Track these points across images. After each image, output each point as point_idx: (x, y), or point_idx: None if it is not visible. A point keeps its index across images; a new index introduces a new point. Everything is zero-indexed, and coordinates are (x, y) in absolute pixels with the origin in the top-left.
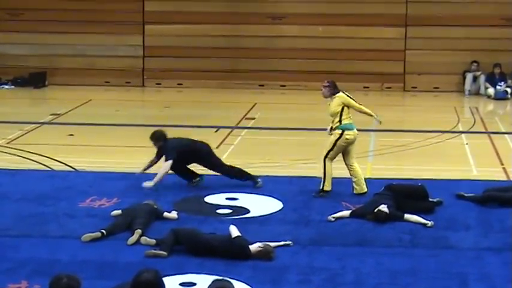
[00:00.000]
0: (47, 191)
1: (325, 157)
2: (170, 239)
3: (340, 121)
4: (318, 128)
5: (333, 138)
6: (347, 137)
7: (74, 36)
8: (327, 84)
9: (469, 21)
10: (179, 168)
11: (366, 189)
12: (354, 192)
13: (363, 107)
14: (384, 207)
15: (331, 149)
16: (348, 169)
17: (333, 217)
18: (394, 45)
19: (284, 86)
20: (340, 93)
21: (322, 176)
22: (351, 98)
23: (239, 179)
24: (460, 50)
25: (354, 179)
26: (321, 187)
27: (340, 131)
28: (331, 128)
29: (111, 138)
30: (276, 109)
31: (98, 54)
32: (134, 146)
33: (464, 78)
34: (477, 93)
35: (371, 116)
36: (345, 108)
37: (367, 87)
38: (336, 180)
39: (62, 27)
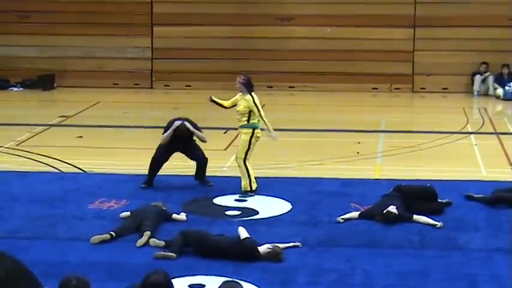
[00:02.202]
0: (56, 193)
1: (245, 159)
2: (179, 240)
3: (248, 120)
4: (327, 129)
5: (246, 137)
6: (258, 135)
7: (83, 38)
8: (242, 81)
9: (477, 21)
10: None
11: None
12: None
13: (263, 118)
14: (392, 208)
15: (248, 149)
16: (238, 164)
17: (342, 218)
18: (402, 46)
19: (293, 87)
20: (248, 97)
21: (246, 177)
22: (255, 103)
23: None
24: (469, 51)
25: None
26: (249, 188)
27: (250, 130)
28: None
29: (119, 140)
30: (285, 110)
31: (106, 56)
32: (143, 147)
33: (472, 79)
34: (486, 93)
35: (268, 129)
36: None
37: (376, 89)
38: (344, 182)
39: (70, 30)
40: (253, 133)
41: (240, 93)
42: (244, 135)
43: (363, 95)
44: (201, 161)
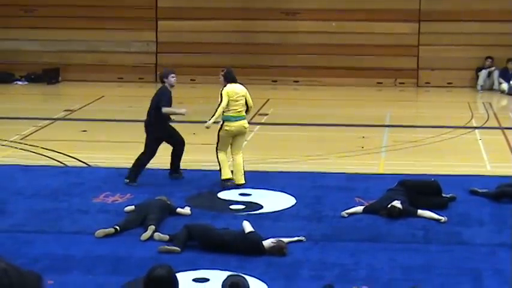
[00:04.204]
0: (61, 186)
1: (216, 148)
2: (183, 234)
3: (222, 112)
4: (331, 124)
5: (218, 129)
6: (226, 128)
7: (87, 32)
8: (221, 73)
9: (482, 16)
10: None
11: (242, 181)
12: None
13: (218, 108)
14: (397, 203)
15: (218, 141)
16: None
17: (346, 213)
18: (407, 41)
19: (297, 81)
20: (226, 87)
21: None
22: (221, 94)
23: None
24: (473, 45)
25: (232, 169)
26: (220, 177)
27: (221, 122)
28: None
29: (124, 134)
30: (289, 105)
31: (111, 50)
32: None
33: (477, 74)
34: (491, 88)
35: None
36: (229, 100)
37: (381, 83)
38: (348, 176)
39: (75, 24)
40: (221, 126)
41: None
42: (219, 127)
43: (367, 89)
44: (183, 143)
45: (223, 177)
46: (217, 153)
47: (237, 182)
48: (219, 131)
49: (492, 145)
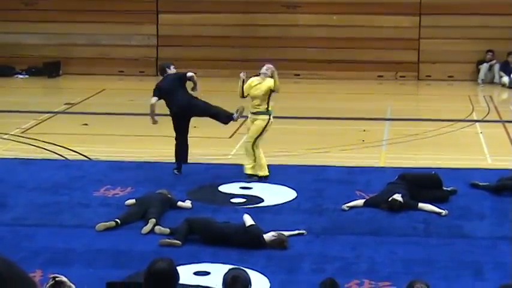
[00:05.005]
0: (62, 180)
1: (253, 144)
2: (184, 228)
3: (267, 107)
4: (332, 117)
5: (262, 123)
6: (271, 120)
7: (88, 25)
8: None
9: (483, 9)
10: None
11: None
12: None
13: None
14: (398, 196)
15: (260, 135)
16: (245, 148)
17: (347, 206)
18: (408, 34)
19: (298, 75)
20: (269, 79)
21: (252, 161)
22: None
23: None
24: (474, 39)
25: (260, 162)
26: (255, 172)
27: (267, 116)
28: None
29: (125, 128)
30: (290, 98)
31: (111, 43)
32: (148, 135)
33: (478, 67)
34: (491, 81)
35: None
36: (271, 93)
37: (381, 76)
38: (349, 169)
39: (76, 17)
40: (269, 120)
41: (256, 78)
42: (261, 121)
43: (368, 82)
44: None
45: (264, 174)
46: (253, 148)
47: (266, 174)
48: (266, 125)
49: (493, 138)
